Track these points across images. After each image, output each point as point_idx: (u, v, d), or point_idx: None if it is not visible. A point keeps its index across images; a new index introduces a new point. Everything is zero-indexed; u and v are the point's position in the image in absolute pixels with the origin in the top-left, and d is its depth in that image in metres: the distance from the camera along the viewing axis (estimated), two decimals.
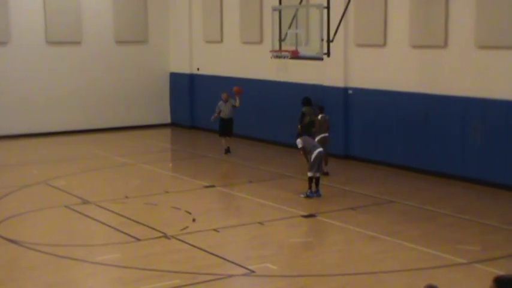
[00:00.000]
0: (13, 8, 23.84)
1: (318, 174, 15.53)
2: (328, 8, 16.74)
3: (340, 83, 20.01)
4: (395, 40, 18.57)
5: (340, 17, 17.52)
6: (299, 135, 16.00)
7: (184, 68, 26.46)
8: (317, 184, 15.55)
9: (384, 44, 18.86)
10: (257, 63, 22.90)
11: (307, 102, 19.11)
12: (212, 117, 21.21)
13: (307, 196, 15.44)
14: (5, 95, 23.80)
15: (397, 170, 18.32)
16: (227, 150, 21.03)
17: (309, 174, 15.53)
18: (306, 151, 15.60)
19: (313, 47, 17.38)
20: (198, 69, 26.08)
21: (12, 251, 12.14)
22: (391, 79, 18.69)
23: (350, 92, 19.85)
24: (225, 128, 21.12)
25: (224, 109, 21.08)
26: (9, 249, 12.22)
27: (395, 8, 18.52)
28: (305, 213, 14.25)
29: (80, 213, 14.41)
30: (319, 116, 18.00)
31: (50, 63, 24.63)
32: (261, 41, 22.76)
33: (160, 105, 26.92)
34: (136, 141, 23.92)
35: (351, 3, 18.07)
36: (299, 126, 18.01)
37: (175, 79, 26.90)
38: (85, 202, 15.20)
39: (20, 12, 23.97)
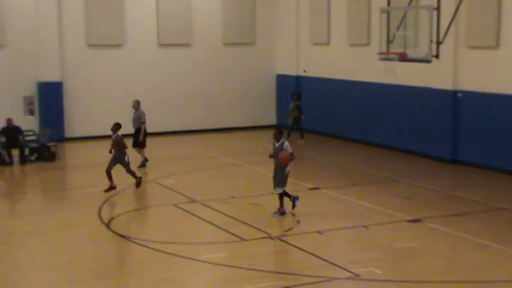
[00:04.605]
0: (128, 12, 24.77)
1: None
2: (438, 9, 16.38)
3: (449, 86, 19.51)
4: (510, 41, 17.91)
5: (450, 18, 17.09)
6: (280, 137, 14.36)
7: (290, 70, 26.58)
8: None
9: (497, 46, 18.23)
10: (364, 66, 22.69)
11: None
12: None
13: (282, 213, 14.30)
14: (118, 95, 24.73)
15: (508, 175, 17.68)
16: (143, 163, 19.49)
17: (284, 189, 14.28)
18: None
19: (422, 49, 17.05)
20: (304, 71, 26.14)
21: (124, 247, 12.63)
22: (504, 82, 18.05)
23: (459, 95, 19.34)
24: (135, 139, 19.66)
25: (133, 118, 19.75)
26: (121, 245, 12.72)
27: (509, 8, 17.88)
28: (410, 218, 14.01)
29: (187, 211, 14.77)
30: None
31: (162, 65, 25.43)
32: (368, 43, 22.55)
33: (267, 106, 27.16)
34: (242, 142, 24.25)
35: (462, 3, 17.59)
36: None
37: (282, 81, 27.06)
38: (192, 201, 15.57)
39: (135, 16, 24.88)
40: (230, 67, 26.51)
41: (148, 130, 24.78)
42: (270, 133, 26.01)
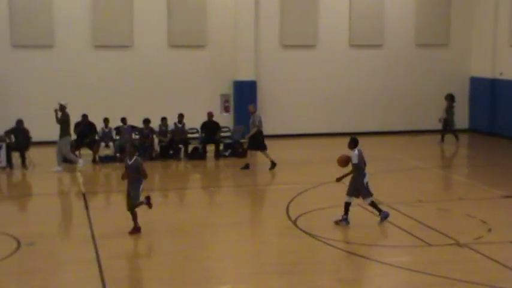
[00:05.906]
0: (322, 14, 25.13)
1: None
2: None
3: None
4: None
5: None
6: (354, 146, 13.81)
7: (485, 73, 25.54)
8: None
9: None
10: None
11: None
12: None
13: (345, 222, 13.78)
14: (309, 95, 25.27)
15: None
16: (246, 166, 19.37)
17: (372, 199, 13.82)
18: (358, 170, 13.70)
19: None
20: (500, 73, 25.01)
21: (309, 244, 12.91)
22: None
23: None
24: (250, 142, 19.44)
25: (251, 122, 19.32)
26: (307, 242, 13.01)
27: None
28: None
29: (372, 213, 14.74)
30: None
31: (353, 65, 25.57)
32: None
33: (459, 110, 26.25)
34: (432, 145, 23.72)
35: None
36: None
37: (476, 84, 26.08)
38: (379, 203, 15.48)
39: (328, 17, 25.19)
40: (422, 69, 26.03)
41: (336, 130, 25.06)
42: (462, 137, 25.37)
